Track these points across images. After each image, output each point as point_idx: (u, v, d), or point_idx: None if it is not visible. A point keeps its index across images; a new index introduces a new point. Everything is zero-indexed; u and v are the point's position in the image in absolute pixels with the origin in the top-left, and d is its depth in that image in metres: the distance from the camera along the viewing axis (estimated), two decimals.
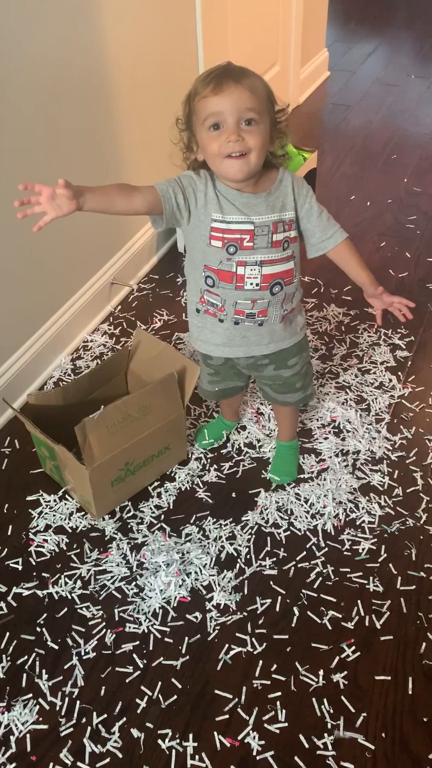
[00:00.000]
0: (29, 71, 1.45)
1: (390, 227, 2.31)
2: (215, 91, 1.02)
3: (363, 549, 1.37)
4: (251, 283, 1.16)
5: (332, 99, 3.22)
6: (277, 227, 1.14)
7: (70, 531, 1.42)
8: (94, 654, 1.23)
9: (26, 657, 1.22)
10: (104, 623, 1.27)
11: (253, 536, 1.40)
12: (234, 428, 1.61)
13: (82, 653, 1.23)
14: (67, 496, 1.49)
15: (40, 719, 1.14)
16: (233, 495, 1.48)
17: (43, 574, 1.35)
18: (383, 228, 2.29)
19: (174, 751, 1.10)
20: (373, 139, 2.80)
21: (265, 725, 1.13)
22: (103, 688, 1.18)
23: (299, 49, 2.91)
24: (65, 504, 1.47)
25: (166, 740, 1.11)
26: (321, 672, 1.19)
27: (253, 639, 1.24)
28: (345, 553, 1.37)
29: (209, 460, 1.56)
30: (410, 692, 1.17)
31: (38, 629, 1.26)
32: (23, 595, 1.31)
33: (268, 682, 1.18)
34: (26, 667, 1.21)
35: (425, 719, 1.13)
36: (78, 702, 1.16)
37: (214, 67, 1.06)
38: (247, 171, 1.06)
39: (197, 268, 1.18)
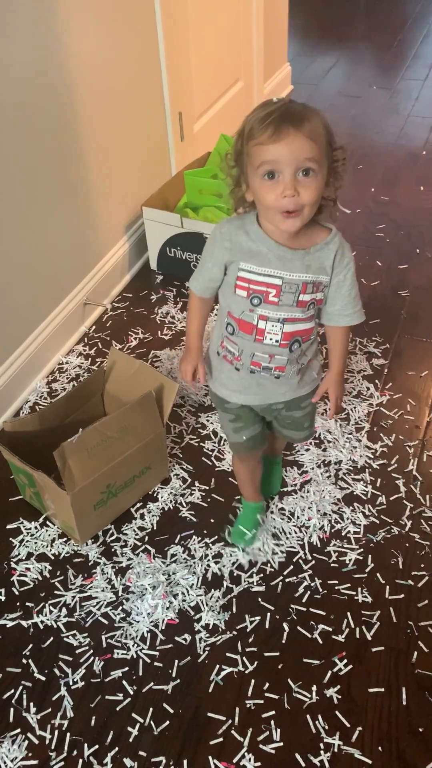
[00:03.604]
0: None
1: (360, 237, 2.33)
2: (274, 138, 0.92)
3: (350, 560, 1.37)
4: (271, 339, 1.10)
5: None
6: (307, 288, 1.06)
7: (52, 558, 1.40)
8: (83, 683, 1.20)
9: (12, 690, 1.19)
10: (92, 651, 1.24)
11: (240, 553, 1.38)
12: (264, 509, 1.45)
13: (71, 683, 1.20)
14: (48, 522, 1.46)
15: (30, 755, 1.11)
16: (218, 512, 1.47)
17: (27, 604, 1.32)
18: (353, 238, 2.31)
19: None
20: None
21: (260, 746, 1.11)
22: (94, 717, 1.15)
23: (262, 65, 2.94)
24: (47, 530, 1.44)
25: None
26: (314, 688, 1.18)
27: (244, 658, 1.22)
28: (332, 565, 1.36)
29: (192, 478, 1.54)
30: (404, 703, 1.16)
31: (24, 661, 1.23)
32: (7, 626, 1.28)
33: (262, 702, 1.16)
34: (13, 701, 1.18)
35: (421, 729, 1.13)
36: (68, 734, 1.13)
37: (272, 105, 0.94)
38: (299, 225, 0.99)
39: (222, 312, 1.14)
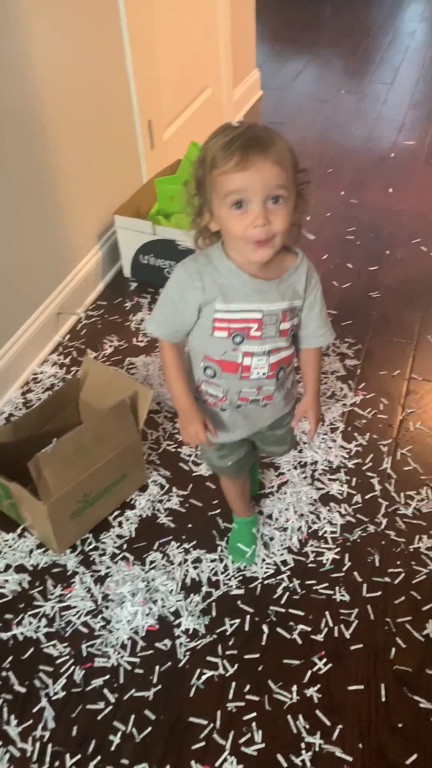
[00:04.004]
0: None
1: (331, 240, 2.36)
2: (240, 166, 0.87)
3: (327, 559, 1.38)
4: (258, 373, 1.06)
5: (266, 117, 3.28)
6: (286, 315, 1.03)
7: (31, 569, 1.39)
8: (64, 693, 1.20)
9: None
10: (72, 660, 1.24)
11: (219, 557, 1.39)
12: (257, 520, 1.44)
13: (51, 694, 1.20)
14: (26, 533, 1.46)
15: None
16: (196, 517, 1.48)
17: (6, 616, 1.31)
18: (324, 241, 2.34)
19: None
20: (308, 154, 2.86)
21: (242, 748, 1.12)
22: (75, 727, 1.15)
23: (230, 71, 2.96)
24: (24, 541, 1.44)
25: None
26: (294, 688, 1.19)
27: (225, 661, 1.23)
28: (310, 565, 1.38)
29: (169, 484, 1.55)
30: (383, 699, 1.17)
31: (4, 673, 1.23)
32: None
33: (243, 704, 1.17)
34: None
35: (400, 725, 1.14)
36: (50, 745, 1.13)
37: (233, 130, 0.89)
38: (271, 255, 0.95)
39: (197, 356, 1.08)
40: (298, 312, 1.06)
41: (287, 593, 1.33)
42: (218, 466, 1.25)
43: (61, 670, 1.23)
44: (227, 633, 1.27)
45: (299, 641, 1.25)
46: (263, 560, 1.38)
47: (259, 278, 0.99)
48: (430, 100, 3.34)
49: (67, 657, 1.25)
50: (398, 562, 1.37)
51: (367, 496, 1.50)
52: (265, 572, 1.36)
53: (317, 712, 1.16)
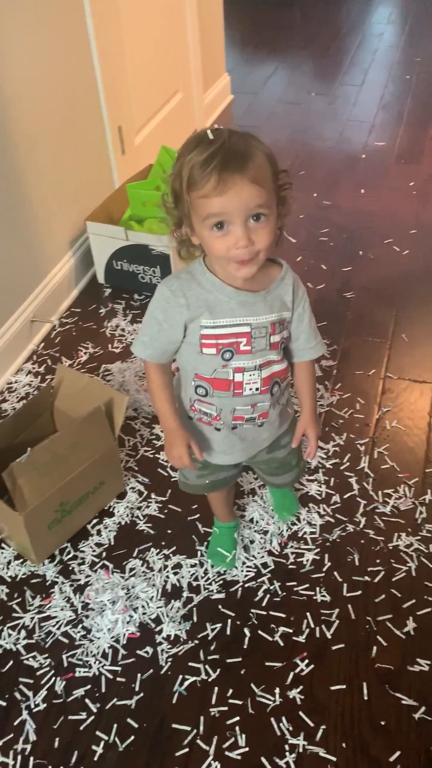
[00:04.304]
0: None
1: (304, 241, 2.37)
2: (219, 190, 0.84)
3: (307, 560, 1.38)
4: (251, 389, 1.03)
5: (238, 121, 3.29)
6: (275, 328, 1.01)
7: (9, 580, 1.38)
8: (45, 705, 1.18)
9: None
10: (53, 671, 1.23)
11: (199, 561, 1.39)
12: (239, 525, 1.43)
13: (32, 706, 1.18)
14: (2, 544, 1.44)
15: None
16: (175, 523, 1.47)
17: None
18: (298, 243, 2.35)
19: None
20: (281, 156, 2.83)
21: (226, 753, 1.11)
22: (57, 739, 1.14)
23: (200, 75, 2.97)
24: (2, 553, 1.42)
25: None
26: (277, 690, 1.19)
27: (207, 666, 1.22)
28: (290, 566, 1.38)
29: (148, 491, 1.54)
30: (366, 698, 1.17)
31: None
32: None
33: (226, 708, 1.17)
34: None
35: (383, 723, 1.14)
36: (32, 758, 1.12)
37: (210, 145, 0.84)
38: (255, 270, 0.93)
39: (187, 376, 1.05)
40: (288, 324, 1.04)
41: (268, 596, 1.33)
42: (192, 484, 1.23)
43: (42, 682, 1.22)
44: (209, 638, 1.27)
45: (281, 643, 1.25)
46: (243, 563, 1.38)
47: (245, 291, 0.97)
48: (399, 101, 3.37)
49: (48, 668, 1.23)
50: (378, 561, 1.38)
51: (345, 496, 1.51)
52: (246, 575, 1.36)
53: (300, 713, 1.16)
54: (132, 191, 2.11)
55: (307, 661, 1.22)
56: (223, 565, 1.37)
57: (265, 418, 1.08)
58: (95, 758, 1.11)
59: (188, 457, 1.08)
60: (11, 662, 1.24)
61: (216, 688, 1.19)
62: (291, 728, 1.14)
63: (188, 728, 1.14)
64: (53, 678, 1.22)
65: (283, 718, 1.15)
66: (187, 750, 1.12)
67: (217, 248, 0.89)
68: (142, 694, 1.19)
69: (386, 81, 3.60)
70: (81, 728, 1.15)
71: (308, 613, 1.29)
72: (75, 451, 1.34)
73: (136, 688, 1.20)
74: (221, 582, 1.35)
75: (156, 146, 2.32)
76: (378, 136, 3.06)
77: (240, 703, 1.17)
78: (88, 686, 1.21)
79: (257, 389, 1.04)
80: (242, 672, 1.21)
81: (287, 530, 1.44)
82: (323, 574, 1.36)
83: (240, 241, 0.87)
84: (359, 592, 1.33)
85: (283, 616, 1.29)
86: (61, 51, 1.88)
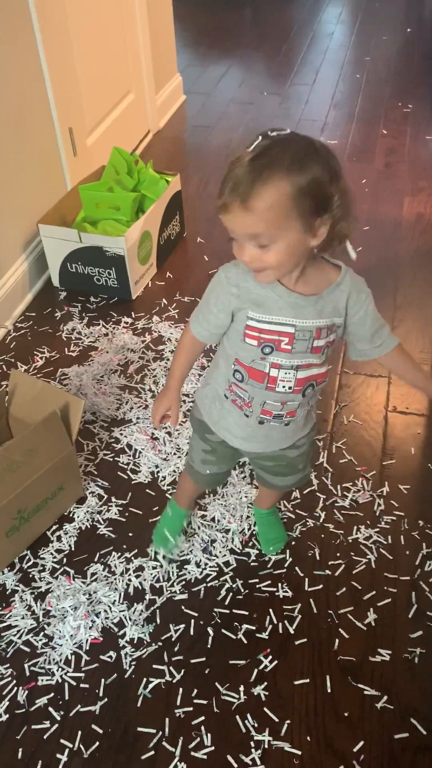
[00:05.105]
0: None
1: None
2: (222, 210, 0.87)
3: (269, 557, 1.39)
4: (284, 386, 1.02)
5: (191, 121, 3.29)
6: (321, 333, 0.98)
7: None
8: (7, 716, 1.17)
9: None
10: (15, 681, 1.21)
11: (161, 563, 1.38)
12: (190, 516, 1.45)
13: None
14: None
15: None
16: (136, 526, 1.46)
17: None
18: None
19: None
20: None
21: (192, 753, 1.11)
22: (21, 749, 1.13)
23: (152, 76, 2.96)
24: None
25: None
26: (242, 688, 1.19)
27: (171, 668, 1.22)
28: (252, 564, 1.38)
29: (108, 494, 1.53)
30: (329, 690, 1.19)
31: None
32: None
33: (191, 709, 1.17)
34: None
35: (346, 714, 1.16)
36: None
37: (238, 161, 0.86)
38: (273, 279, 0.93)
39: (229, 358, 1.05)
40: (337, 329, 1.01)
41: (231, 594, 1.33)
42: (196, 470, 1.25)
43: (4, 692, 1.20)
44: (172, 639, 1.26)
45: (244, 641, 1.26)
46: (206, 564, 1.38)
47: (297, 293, 0.96)
48: (350, 99, 3.41)
49: (9, 678, 1.22)
50: (338, 554, 1.39)
51: (305, 491, 1.52)
52: (208, 575, 1.36)
53: (265, 709, 1.16)
54: (85, 193, 2.10)
55: (270, 657, 1.23)
56: (164, 547, 1.38)
57: (292, 416, 1.08)
58: (60, 766, 1.10)
59: (160, 416, 1.16)
60: None
61: (180, 689, 1.19)
62: (256, 725, 1.14)
63: (153, 731, 1.14)
64: (15, 688, 1.20)
65: (248, 715, 1.16)
66: (152, 753, 1.12)
67: (236, 254, 0.92)
68: (106, 700, 1.18)
69: (337, 80, 3.64)
70: (45, 737, 1.14)
71: (271, 610, 1.30)
72: (31, 457, 1.32)
73: (100, 694, 1.19)
74: (183, 583, 1.35)
75: (108, 147, 2.31)
76: (330, 134, 3.09)
77: (205, 702, 1.17)
78: (51, 694, 1.19)
79: (290, 388, 1.03)
80: (206, 671, 1.22)
81: (248, 528, 1.45)
82: (285, 570, 1.37)
83: (243, 257, 0.90)
84: (320, 586, 1.34)
85: (246, 613, 1.30)
86: (5, 51, 1.85)
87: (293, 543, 1.42)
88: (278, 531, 1.42)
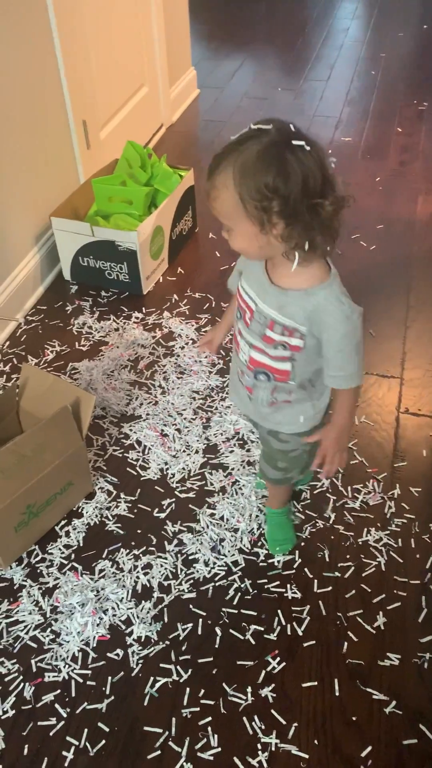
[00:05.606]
0: None
1: None
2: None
3: (278, 559, 1.38)
4: (242, 356, 1.08)
5: (204, 116, 3.27)
6: (275, 327, 1.00)
7: None
8: (14, 711, 1.16)
9: None
10: (21, 677, 1.21)
11: (169, 561, 1.38)
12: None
13: (0, 713, 1.16)
14: None
15: None
16: (145, 522, 1.46)
17: None
18: None
19: None
20: None
21: (199, 754, 1.11)
22: (26, 746, 1.12)
23: (166, 70, 2.94)
24: None
25: None
26: (249, 689, 1.18)
27: (178, 667, 1.21)
28: (261, 564, 1.37)
29: (117, 490, 1.52)
30: (337, 694, 1.18)
31: None
32: None
33: (197, 709, 1.16)
34: None
35: (354, 718, 1.15)
36: (0, 766, 1.10)
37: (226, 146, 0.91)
38: (251, 258, 0.98)
39: None
40: (302, 336, 0.99)
41: (239, 594, 1.32)
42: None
43: (10, 688, 1.19)
44: (180, 638, 1.26)
45: (252, 642, 1.25)
46: (214, 563, 1.37)
47: (267, 278, 0.99)
48: (365, 96, 3.38)
49: (16, 674, 1.21)
50: (348, 556, 1.38)
51: (315, 492, 1.51)
52: (216, 574, 1.35)
53: (272, 711, 1.16)
54: (97, 186, 2.08)
55: (278, 658, 1.22)
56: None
57: (250, 393, 1.12)
58: (66, 764, 1.10)
59: (203, 341, 1.28)
60: None
61: (187, 689, 1.18)
62: (263, 727, 1.14)
63: (160, 730, 1.14)
64: (22, 684, 1.20)
65: (255, 717, 1.15)
66: (159, 752, 1.11)
67: None
68: (112, 698, 1.18)
69: (352, 76, 3.61)
70: (51, 734, 1.14)
71: (279, 611, 1.29)
72: (41, 452, 1.32)
73: (107, 692, 1.19)
74: (192, 581, 1.34)
75: (122, 141, 2.29)
76: (344, 131, 3.07)
77: (212, 703, 1.17)
78: (58, 691, 1.19)
79: (245, 361, 1.09)
80: (214, 672, 1.21)
81: (258, 528, 1.44)
82: (294, 571, 1.36)
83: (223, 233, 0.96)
84: (330, 588, 1.33)
85: (254, 614, 1.29)
86: (22, 44, 1.84)
87: (302, 544, 1.40)
88: (285, 533, 1.41)
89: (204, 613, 1.29)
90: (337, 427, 1.09)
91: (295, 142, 0.86)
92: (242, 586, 1.33)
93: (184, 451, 1.60)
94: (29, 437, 1.30)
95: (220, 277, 1.07)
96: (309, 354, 1.02)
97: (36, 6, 1.87)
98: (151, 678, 1.20)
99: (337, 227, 0.93)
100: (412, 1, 4.69)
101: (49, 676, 1.21)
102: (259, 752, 1.11)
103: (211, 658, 1.22)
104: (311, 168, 0.86)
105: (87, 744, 1.12)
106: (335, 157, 2.85)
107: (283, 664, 1.22)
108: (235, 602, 1.31)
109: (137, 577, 1.35)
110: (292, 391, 1.09)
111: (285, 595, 1.32)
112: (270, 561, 1.38)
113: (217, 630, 1.27)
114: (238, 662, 1.22)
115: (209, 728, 1.14)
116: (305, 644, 1.24)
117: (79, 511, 1.48)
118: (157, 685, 1.19)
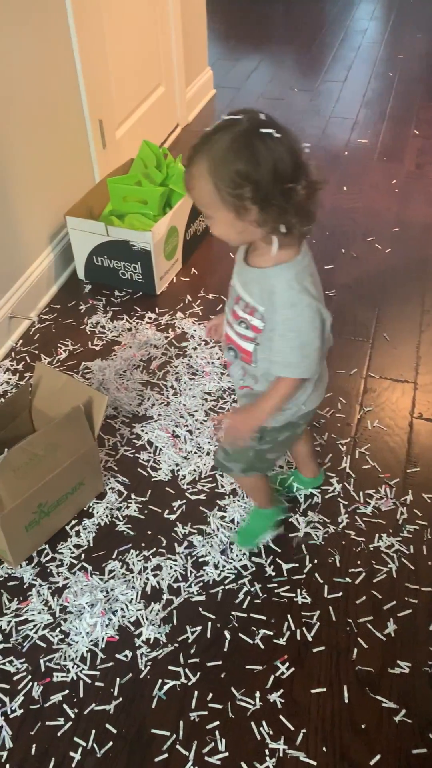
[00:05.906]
0: None
1: None
2: None
3: (289, 564, 1.37)
4: (226, 326, 1.14)
5: (220, 116, 3.26)
6: (239, 302, 1.05)
7: None
8: (22, 711, 1.16)
9: None
10: (30, 676, 1.21)
11: (179, 563, 1.37)
12: (312, 486, 1.49)
13: (9, 712, 1.16)
14: None
15: None
16: (155, 524, 1.45)
17: None
18: None
19: None
20: None
21: (206, 758, 1.10)
22: (34, 746, 1.12)
23: (182, 69, 2.94)
24: None
25: None
26: (257, 694, 1.18)
27: (187, 670, 1.21)
28: (270, 568, 1.37)
29: (127, 491, 1.52)
30: (346, 701, 1.17)
31: None
32: None
33: (206, 713, 1.16)
34: None
35: (363, 726, 1.14)
36: (8, 765, 1.10)
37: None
38: (230, 243, 1.01)
39: None
40: (260, 316, 1.02)
41: (249, 598, 1.32)
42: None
43: (19, 687, 1.19)
44: (189, 641, 1.25)
45: (261, 646, 1.24)
46: (224, 566, 1.37)
47: (242, 256, 1.05)
48: (382, 98, 3.37)
49: (25, 673, 1.21)
50: (359, 562, 1.37)
51: (327, 496, 1.50)
52: (226, 577, 1.35)
53: (281, 717, 1.15)
54: (113, 186, 2.08)
55: (287, 664, 1.22)
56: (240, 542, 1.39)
57: (227, 368, 1.17)
58: (73, 765, 1.10)
59: (210, 326, 1.27)
60: None
61: (196, 692, 1.18)
62: (271, 732, 1.13)
63: (167, 733, 1.13)
64: (30, 683, 1.20)
65: (264, 722, 1.14)
66: (166, 755, 1.11)
67: None
68: (120, 699, 1.18)
69: (369, 78, 3.59)
70: (58, 734, 1.14)
71: (289, 615, 1.29)
72: (53, 451, 1.32)
73: (115, 693, 1.18)
74: (201, 584, 1.34)
75: (137, 140, 2.29)
76: (360, 133, 3.05)
77: (220, 707, 1.16)
78: (66, 691, 1.19)
79: (223, 334, 1.16)
80: (222, 675, 1.20)
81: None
82: (304, 576, 1.35)
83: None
84: (340, 594, 1.32)
85: (264, 618, 1.28)
86: (40, 43, 1.84)
87: (314, 548, 1.40)
88: (250, 531, 1.39)
89: (213, 617, 1.29)
90: (251, 410, 1.10)
91: (263, 131, 0.88)
92: (252, 589, 1.33)
93: (195, 453, 1.60)
94: (41, 436, 1.30)
95: (213, 270, 1.08)
96: (269, 336, 1.05)
97: (54, 6, 1.88)
98: (160, 680, 1.20)
99: (313, 210, 0.96)
100: (430, 3, 4.66)
101: (57, 676, 1.21)
102: (267, 758, 1.10)
103: (220, 662, 1.22)
104: (282, 154, 0.89)
105: (94, 745, 1.12)
106: (351, 159, 2.84)
107: (292, 669, 1.21)
108: (244, 606, 1.30)
109: (147, 579, 1.35)
110: (258, 380, 1.12)
111: (295, 600, 1.31)
112: (280, 565, 1.37)
113: (226, 633, 1.26)
114: (247, 666, 1.21)
115: (217, 732, 1.13)
116: (315, 650, 1.23)
117: (90, 511, 1.48)
118: (165, 687, 1.19)
